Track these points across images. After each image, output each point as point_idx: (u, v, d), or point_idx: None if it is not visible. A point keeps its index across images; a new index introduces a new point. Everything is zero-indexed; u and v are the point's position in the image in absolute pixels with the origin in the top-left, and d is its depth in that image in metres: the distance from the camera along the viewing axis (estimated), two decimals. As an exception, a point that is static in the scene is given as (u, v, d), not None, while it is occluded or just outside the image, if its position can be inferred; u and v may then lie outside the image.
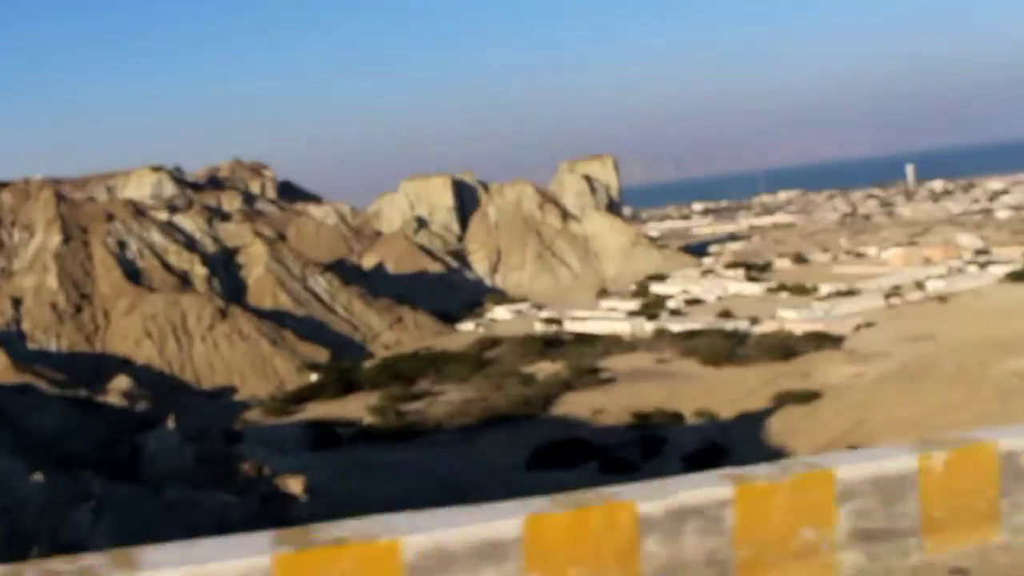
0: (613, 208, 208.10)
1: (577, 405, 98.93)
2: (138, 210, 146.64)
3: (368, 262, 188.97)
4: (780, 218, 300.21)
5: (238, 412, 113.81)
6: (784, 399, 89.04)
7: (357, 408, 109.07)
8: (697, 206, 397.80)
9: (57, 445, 79.66)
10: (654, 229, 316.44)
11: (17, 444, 68.96)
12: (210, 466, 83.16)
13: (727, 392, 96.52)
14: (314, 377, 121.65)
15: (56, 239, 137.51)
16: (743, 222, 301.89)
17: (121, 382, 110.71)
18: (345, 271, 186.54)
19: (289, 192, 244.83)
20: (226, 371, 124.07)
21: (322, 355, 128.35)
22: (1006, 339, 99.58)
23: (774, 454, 73.15)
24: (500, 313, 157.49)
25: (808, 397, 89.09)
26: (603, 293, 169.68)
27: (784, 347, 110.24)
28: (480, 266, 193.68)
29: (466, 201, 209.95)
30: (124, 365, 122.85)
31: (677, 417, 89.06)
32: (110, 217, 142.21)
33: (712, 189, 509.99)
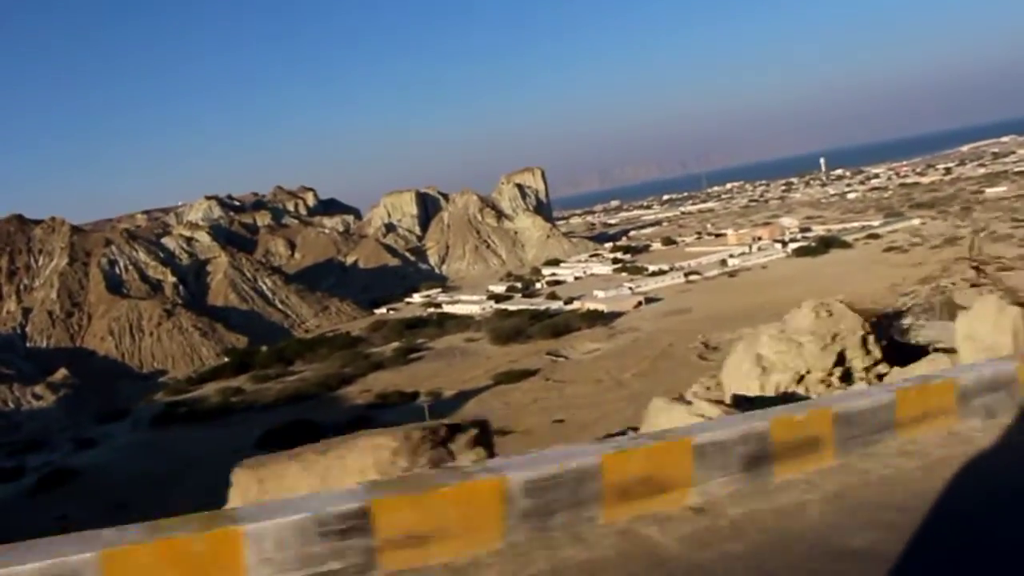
0: (541, 208, 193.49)
1: (369, 384, 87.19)
2: (132, 235, 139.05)
3: (349, 260, 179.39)
4: (709, 205, 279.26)
5: (158, 391, 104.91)
6: (500, 378, 75.75)
7: (238, 385, 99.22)
8: (665, 197, 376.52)
9: None
10: (613, 218, 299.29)
11: None
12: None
13: (478, 369, 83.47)
14: (226, 360, 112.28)
15: (64, 262, 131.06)
16: (682, 209, 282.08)
17: (59, 373, 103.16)
18: (332, 268, 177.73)
19: (332, 206, 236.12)
20: (163, 358, 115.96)
21: (242, 342, 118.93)
22: (751, 309, 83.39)
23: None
24: (416, 299, 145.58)
25: (520, 376, 75.55)
26: (508, 276, 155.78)
27: (564, 325, 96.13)
28: (433, 259, 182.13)
29: (430, 209, 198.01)
30: (90, 356, 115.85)
31: (413, 396, 76.39)
32: (108, 242, 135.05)
33: (690, 183, 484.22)
